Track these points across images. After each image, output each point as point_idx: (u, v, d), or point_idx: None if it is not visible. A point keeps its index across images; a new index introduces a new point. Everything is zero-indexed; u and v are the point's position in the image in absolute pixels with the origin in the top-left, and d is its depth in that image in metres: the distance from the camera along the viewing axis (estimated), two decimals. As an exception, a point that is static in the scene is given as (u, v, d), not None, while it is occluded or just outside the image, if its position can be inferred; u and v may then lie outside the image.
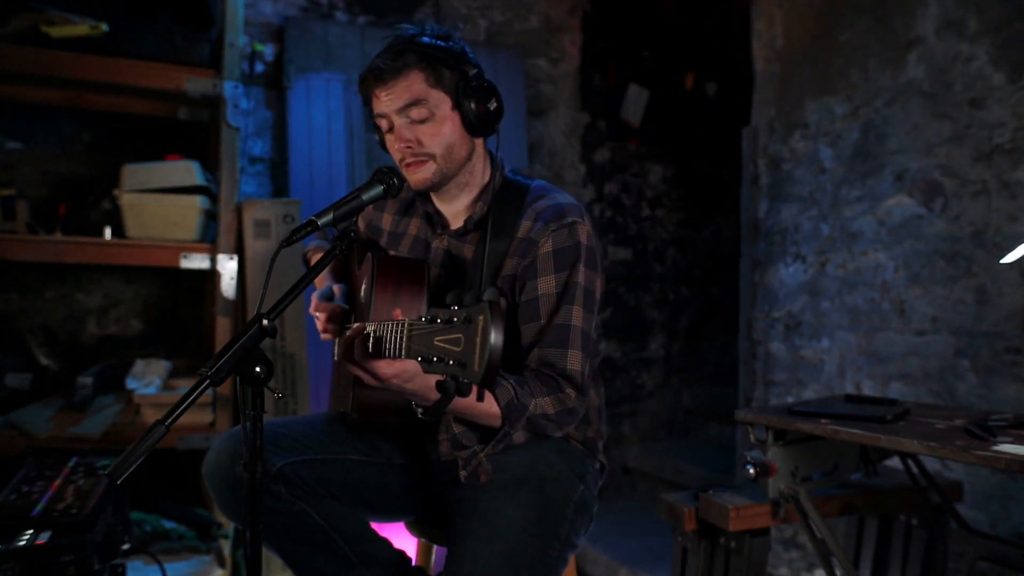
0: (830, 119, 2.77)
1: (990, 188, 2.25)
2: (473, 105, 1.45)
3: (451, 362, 1.01)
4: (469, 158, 1.51)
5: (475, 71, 1.47)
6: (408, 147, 1.45)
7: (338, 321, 1.51)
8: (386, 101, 1.44)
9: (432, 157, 1.46)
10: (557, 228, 1.46)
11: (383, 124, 1.48)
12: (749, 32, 3.13)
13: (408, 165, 1.48)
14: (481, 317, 0.99)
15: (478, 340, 0.98)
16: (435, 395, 1.23)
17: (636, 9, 4.14)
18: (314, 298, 1.54)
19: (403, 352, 1.11)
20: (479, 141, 1.53)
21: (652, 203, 4.28)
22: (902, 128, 2.50)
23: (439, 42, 1.45)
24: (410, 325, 1.11)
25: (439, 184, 1.50)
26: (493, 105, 1.47)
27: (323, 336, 1.52)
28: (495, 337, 0.98)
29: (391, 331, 1.16)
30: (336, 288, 1.56)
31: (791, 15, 2.95)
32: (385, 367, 1.19)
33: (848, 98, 2.70)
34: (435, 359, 1.03)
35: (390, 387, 1.23)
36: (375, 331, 1.20)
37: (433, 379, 1.19)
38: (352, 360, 1.21)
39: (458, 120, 1.46)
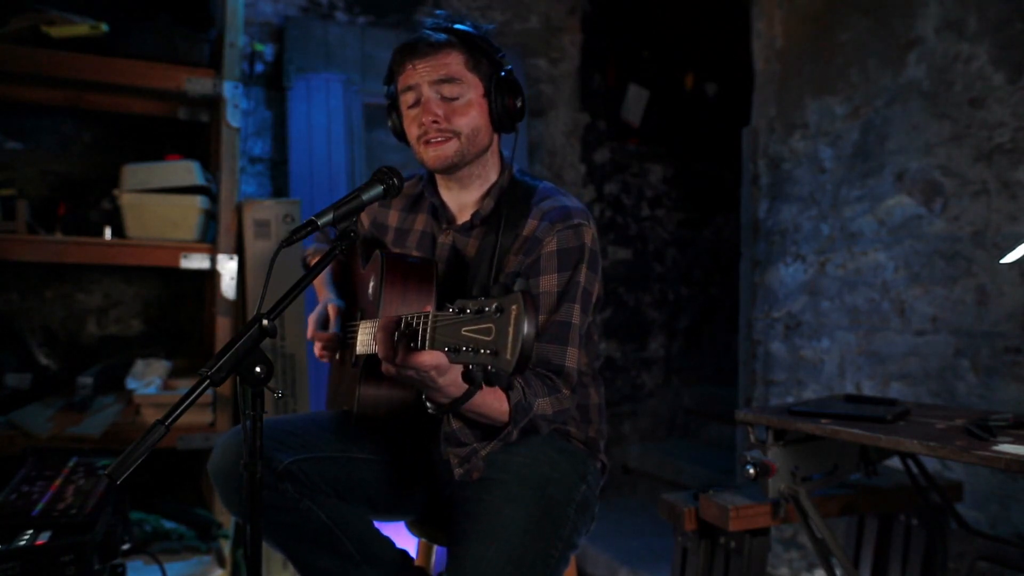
0: (830, 119, 2.77)
1: (990, 188, 2.25)
2: (502, 99, 1.50)
3: (482, 351, 1.00)
4: (487, 148, 1.54)
5: (508, 67, 1.51)
6: (435, 121, 1.46)
7: (334, 349, 1.54)
8: (422, 71, 1.46)
9: (457, 135, 1.48)
10: (563, 228, 1.47)
11: (409, 97, 1.49)
12: (749, 32, 3.13)
13: (429, 141, 1.48)
14: (514, 307, 0.98)
15: (511, 329, 0.97)
16: (460, 390, 1.22)
17: (636, 9, 4.13)
18: (311, 323, 1.55)
19: (427, 343, 1.10)
20: (496, 137, 1.56)
21: (652, 203, 4.28)
22: (902, 128, 2.50)
23: (480, 32, 1.51)
24: (434, 316, 1.10)
25: (456, 165, 1.51)
26: (519, 103, 1.52)
27: (320, 358, 1.55)
28: (528, 327, 0.97)
29: (415, 323, 1.15)
30: (331, 308, 1.56)
31: (791, 15, 2.94)
32: (428, 359, 1.15)
33: (848, 98, 2.70)
34: (463, 348, 1.02)
35: (424, 380, 1.19)
36: (403, 325, 1.19)
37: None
38: (394, 361, 1.17)
39: (485, 109, 1.50)
